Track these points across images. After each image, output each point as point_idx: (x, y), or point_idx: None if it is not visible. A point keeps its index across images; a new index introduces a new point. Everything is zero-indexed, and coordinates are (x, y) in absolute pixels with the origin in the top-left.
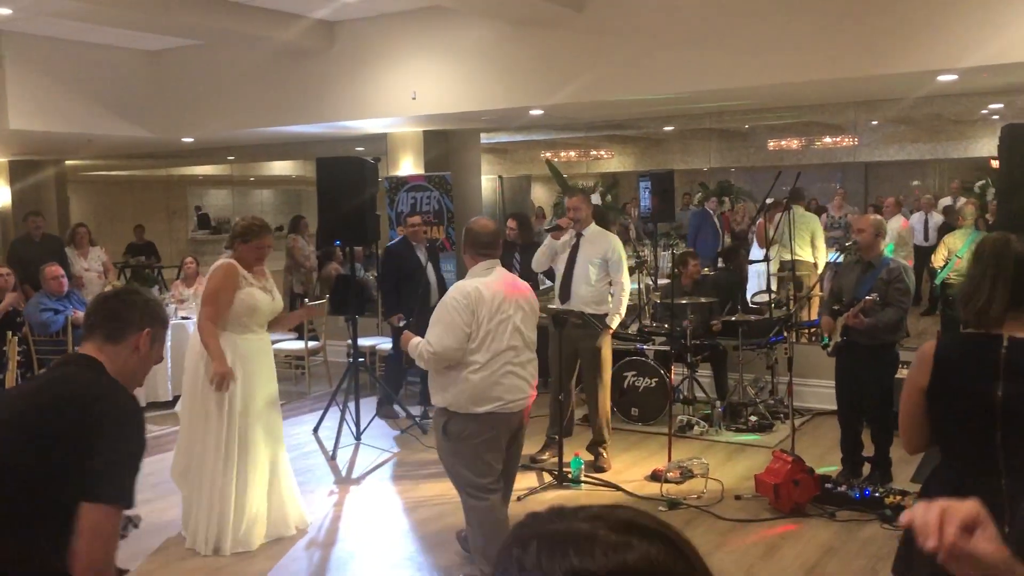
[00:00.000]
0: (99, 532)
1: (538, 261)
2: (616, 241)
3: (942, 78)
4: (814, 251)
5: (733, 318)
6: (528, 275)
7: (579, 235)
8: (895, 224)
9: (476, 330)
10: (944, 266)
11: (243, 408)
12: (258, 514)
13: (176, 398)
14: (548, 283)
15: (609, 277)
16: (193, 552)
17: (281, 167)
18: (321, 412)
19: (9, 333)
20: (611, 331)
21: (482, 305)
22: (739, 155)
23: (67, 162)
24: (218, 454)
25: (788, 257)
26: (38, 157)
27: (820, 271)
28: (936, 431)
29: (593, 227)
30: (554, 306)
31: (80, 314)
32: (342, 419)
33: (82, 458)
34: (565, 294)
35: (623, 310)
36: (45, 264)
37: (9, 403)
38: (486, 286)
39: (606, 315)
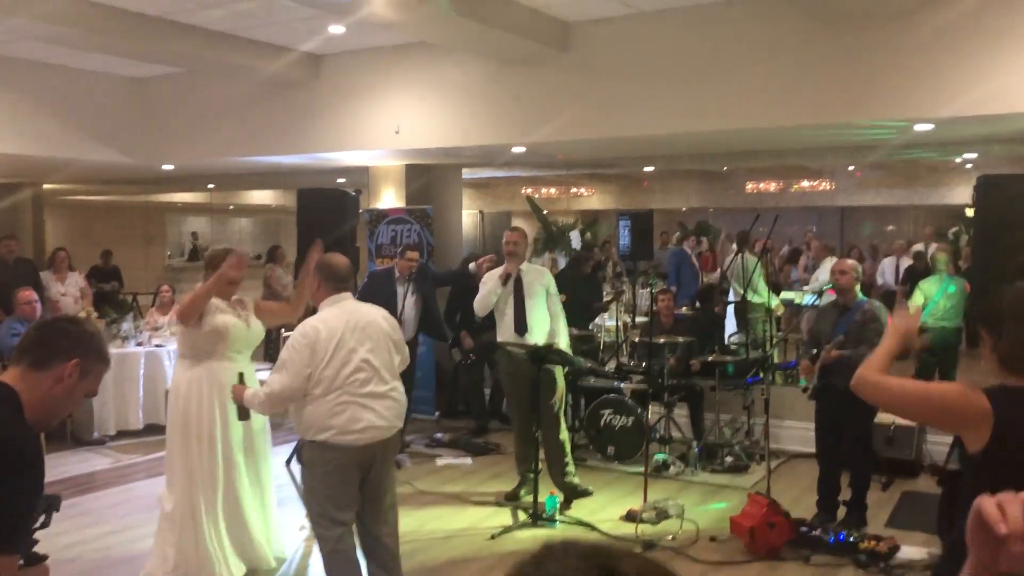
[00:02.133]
0: None
1: (485, 303)
2: (546, 271)
3: (919, 127)
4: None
5: (710, 358)
6: (489, 321)
7: (525, 271)
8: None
9: (317, 367)
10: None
11: (229, 435)
12: (241, 545)
13: (147, 427)
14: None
15: (553, 308)
16: None
17: (261, 196)
18: (295, 444)
19: None
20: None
21: (320, 342)
22: (718, 196)
23: (44, 185)
24: (210, 484)
25: (747, 298)
26: (15, 179)
27: (776, 312)
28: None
29: (527, 263)
30: (514, 341)
31: None
32: None
33: None
34: (521, 328)
35: (566, 335)
36: (18, 288)
37: None
38: (324, 322)
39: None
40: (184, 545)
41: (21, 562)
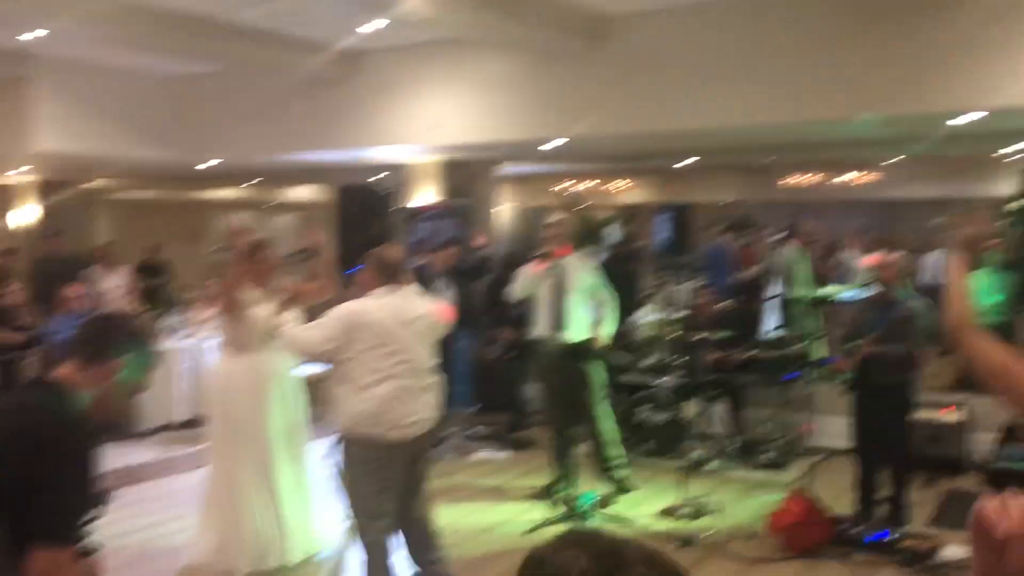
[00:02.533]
0: (47, 573)
1: (522, 289)
2: (591, 264)
3: (967, 117)
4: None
5: (750, 354)
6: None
7: (558, 262)
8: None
9: (353, 350)
10: None
11: (264, 429)
12: (278, 536)
13: (191, 420)
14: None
15: (593, 303)
16: (217, 573)
17: (302, 193)
18: (338, 435)
19: (27, 351)
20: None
21: (360, 324)
22: (759, 190)
23: (92, 183)
24: (250, 473)
25: (789, 293)
26: (64, 178)
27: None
28: None
29: (574, 257)
30: (547, 336)
31: None
32: None
33: (32, 494)
34: (557, 323)
35: (614, 325)
36: (66, 283)
37: None
38: (372, 307)
39: (593, 339)
40: (224, 534)
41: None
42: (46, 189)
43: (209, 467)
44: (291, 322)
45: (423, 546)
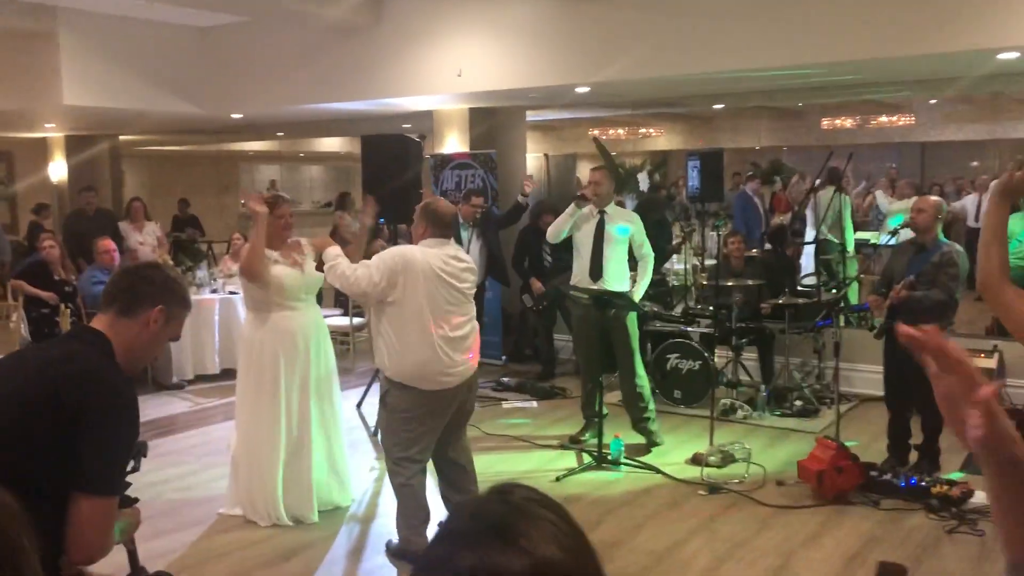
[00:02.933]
0: (94, 523)
1: (557, 229)
2: (636, 216)
3: (1003, 56)
4: (843, 233)
5: (781, 301)
6: (559, 259)
7: (603, 212)
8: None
9: (398, 291)
10: None
11: (294, 383)
12: (308, 488)
13: (223, 371)
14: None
15: (632, 254)
16: (246, 522)
17: (329, 144)
18: (364, 388)
19: (63, 305)
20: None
21: (409, 268)
22: (791, 134)
23: (121, 137)
24: (272, 430)
25: (823, 238)
26: (93, 132)
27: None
28: None
29: (613, 205)
30: (585, 286)
31: None
32: None
33: (73, 444)
34: (596, 273)
35: (647, 283)
36: (98, 238)
37: (9, 376)
38: (421, 255)
39: (630, 291)
40: (251, 486)
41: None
42: (76, 144)
43: (237, 420)
44: (340, 259)
45: (463, 493)
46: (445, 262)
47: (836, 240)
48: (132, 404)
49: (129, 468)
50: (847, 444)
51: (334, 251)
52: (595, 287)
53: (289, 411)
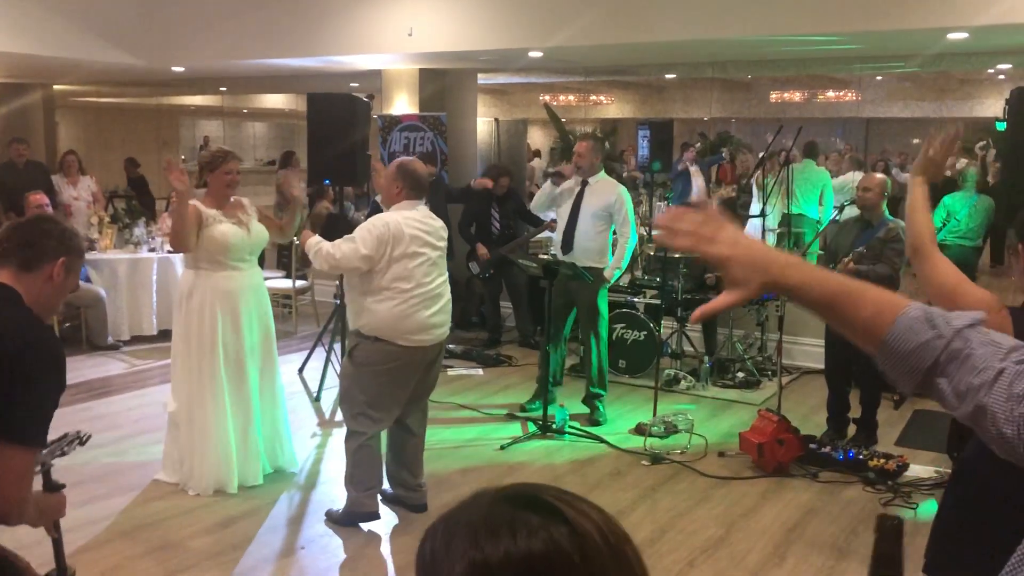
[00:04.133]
0: (19, 473)
1: (538, 202)
2: (624, 192)
3: (952, 36)
4: (820, 208)
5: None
6: (506, 227)
7: (584, 183)
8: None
9: (384, 260)
10: (942, 227)
11: (233, 346)
12: (248, 455)
13: (161, 332)
14: (548, 234)
15: (611, 229)
16: (181, 490)
17: (274, 100)
18: (307, 352)
19: None
20: (609, 284)
21: (398, 240)
22: (740, 106)
23: (56, 87)
24: (213, 394)
25: (790, 212)
26: (25, 80)
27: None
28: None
29: (601, 176)
30: (547, 256)
31: None
32: (327, 360)
33: (5, 397)
34: (567, 245)
35: (624, 264)
36: (29, 191)
37: None
38: (399, 220)
39: (604, 268)
40: (190, 450)
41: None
42: (5, 93)
43: (173, 383)
44: (321, 242)
45: (408, 455)
46: (422, 223)
47: (811, 215)
48: (62, 357)
49: (58, 453)
50: (787, 416)
51: (313, 239)
52: (566, 259)
53: (228, 375)
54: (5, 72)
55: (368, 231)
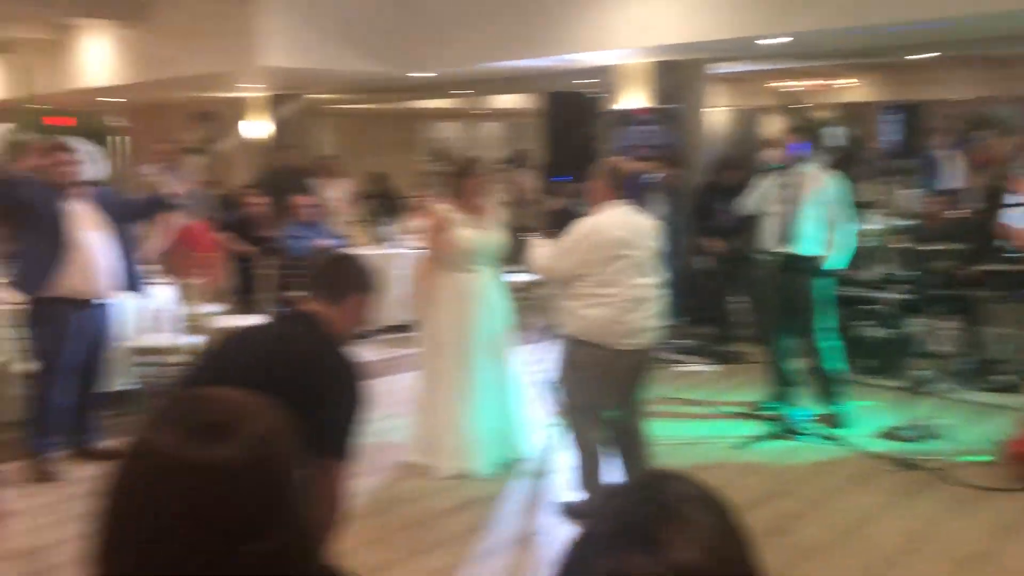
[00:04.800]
0: (341, 482)
1: (754, 203)
2: (837, 179)
3: None
4: None
5: (987, 267)
6: (734, 220)
7: (797, 173)
8: None
9: (590, 265)
10: None
11: (472, 339)
12: (486, 442)
13: (405, 324)
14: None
15: (829, 217)
16: (425, 471)
17: (506, 100)
18: (540, 345)
19: (264, 259)
20: (832, 275)
21: (602, 243)
22: (1002, 85)
23: (315, 96)
24: (453, 383)
25: None
26: (290, 91)
27: None
28: None
29: (812, 165)
30: (773, 248)
31: (323, 242)
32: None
33: (309, 415)
34: (786, 236)
35: (845, 254)
36: (295, 194)
37: (234, 357)
38: (607, 222)
39: (821, 257)
40: (430, 435)
41: None
42: (273, 103)
43: (418, 372)
44: (536, 245)
45: (634, 456)
46: (628, 223)
47: None
48: (362, 376)
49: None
50: None
51: (535, 242)
52: (783, 250)
53: (469, 365)
54: (274, 84)
55: (574, 239)
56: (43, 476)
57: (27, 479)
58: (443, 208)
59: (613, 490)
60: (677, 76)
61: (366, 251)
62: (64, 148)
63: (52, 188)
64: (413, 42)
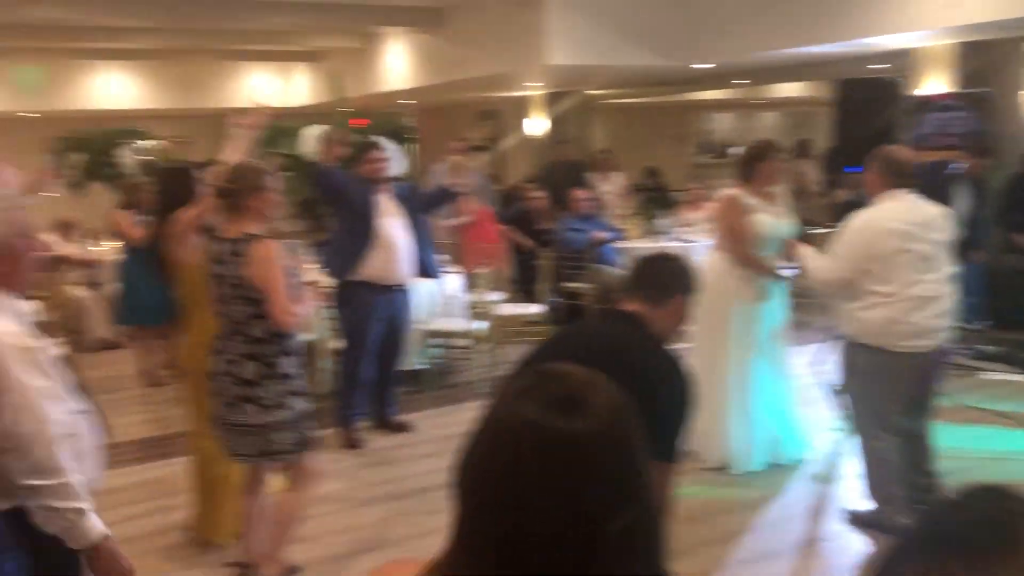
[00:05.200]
0: (665, 488)
1: None
2: None
3: None
4: None
5: None
6: None
7: None
8: None
9: (867, 262)
10: None
11: (748, 334)
12: (759, 440)
13: None
14: None
15: None
16: (705, 466)
17: (787, 89)
18: (822, 343)
19: (541, 252)
20: None
21: (876, 239)
22: None
23: (591, 91)
24: (725, 377)
25: None
26: (567, 88)
27: None
28: None
29: None
30: None
31: (600, 235)
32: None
33: (640, 418)
34: None
35: None
36: (572, 188)
37: (563, 356)
38: (885, 216)
39: None
40: (705, 428)
41: None
42: (552, 101)
43: (692, 362)
44: (808, 256)
45: (921, 465)
46: (909, 215)
47: None
48: (691, 376)
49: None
50: None
51: (806, 251)
52: None
53: (743, 360)
54: (553, 82)
55: (849, 244)
56: (350, 443)
57: (337, 446)
58: (735, 193)
59: (943, 503)
60: (986, 57)
61: (639, 244)
62: (378, 147)
63: (364, 181)
64: (694, 33)
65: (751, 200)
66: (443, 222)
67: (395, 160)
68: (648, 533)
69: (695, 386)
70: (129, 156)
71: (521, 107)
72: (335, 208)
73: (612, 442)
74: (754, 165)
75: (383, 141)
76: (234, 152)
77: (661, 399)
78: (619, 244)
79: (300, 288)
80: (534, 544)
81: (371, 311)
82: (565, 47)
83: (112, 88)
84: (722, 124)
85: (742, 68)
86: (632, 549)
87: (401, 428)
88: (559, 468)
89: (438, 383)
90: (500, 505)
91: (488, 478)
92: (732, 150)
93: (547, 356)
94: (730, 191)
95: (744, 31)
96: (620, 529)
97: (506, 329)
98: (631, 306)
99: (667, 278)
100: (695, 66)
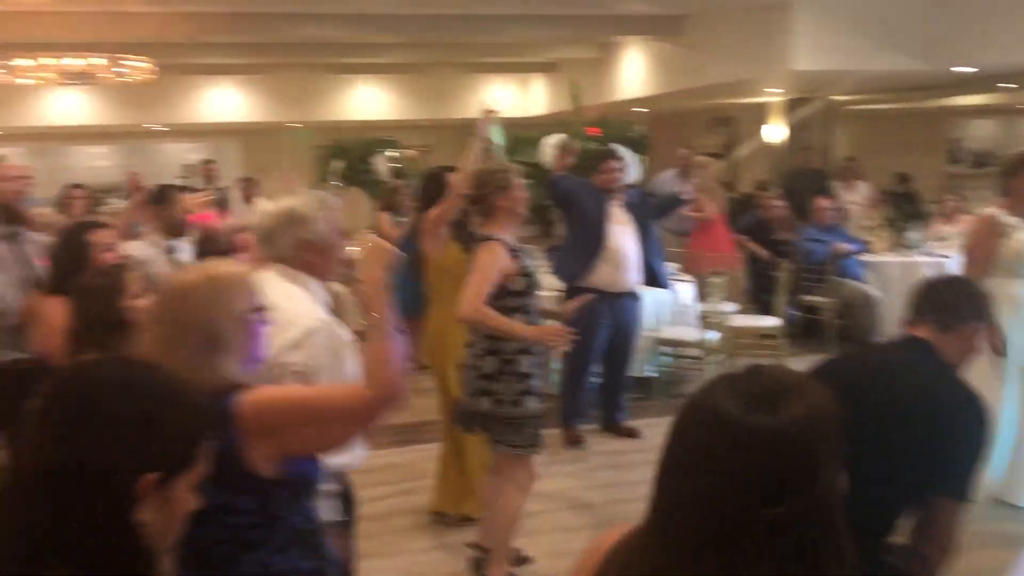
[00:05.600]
0: (955, 525)
1: None
2: None
3: None
4: None
5: None
6: None
7: None
8: None
9: None
10: None
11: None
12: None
13: None
14: None
15: None
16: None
17: None
18: None
19: (780, 263)
20: None
21: None
22: None
23: (834, 97)
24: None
25: None
26: (808, 94)
27: None
28: None
29: None
30: None
31: (843, 246)
32: None
33: (930, 450)
34: None
35: None
36: (814, 196)
37: (853, 381)
38: None
39: None
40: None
41: None
42: (793, 107)
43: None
44: None
45: None
46: None
47: None
48: (988, 412)
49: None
50: None
51: None
52: None
53: (1012, 381)
54: (794, 87)
55: None
56: (572, 443)
57: (560, 445)
58: (993, 212)
59: None
60: None
61: (886, 258)
62: (615, 156)
63: (598, 189)
64: (955, 34)
65: (1009, 219)
66: (673, 226)
67: (630, 169)
68: (816, 523)
69: (992, 422)
70: (382, 163)
71: (756, 113)
72: (566, 215)
73: (800, 441)
74: (1008, 181)
75: (620, 150)
76: (468, 159)
77: (956, 433)
78: (863, 257)
79: (537, 313)
80: (699, 517)
81: (597, 317)
82: (813, 52)
83: (367, 100)
84: (979, 131)
85: (1009, 71)
86: (782, 544)
87: (629, 433)
88: (744, 457)
89: (668, 392)
90: (677, 472)
91: (683, 459)
92: (991, 160)
93: (831, 376)
94: (990, 210)
95: (1013, 32)
96: (778, 516)
97: (739, 341)
98: (920, 332)
99: (960, 303)
100: (956, 69)
